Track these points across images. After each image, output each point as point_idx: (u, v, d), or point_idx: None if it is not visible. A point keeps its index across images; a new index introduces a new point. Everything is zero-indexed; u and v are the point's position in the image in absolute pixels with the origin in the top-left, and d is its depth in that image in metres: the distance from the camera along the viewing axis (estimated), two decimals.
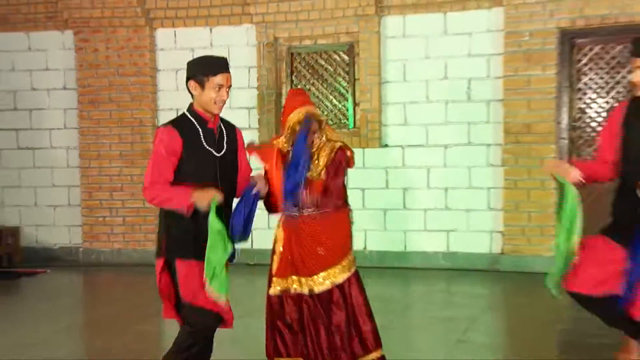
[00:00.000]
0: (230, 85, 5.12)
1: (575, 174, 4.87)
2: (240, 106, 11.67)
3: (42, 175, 12.40)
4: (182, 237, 4.99)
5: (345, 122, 11.82)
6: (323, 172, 5.51)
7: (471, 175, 11.10)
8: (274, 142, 5.75)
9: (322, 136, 5.59)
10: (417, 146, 11.37)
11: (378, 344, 5.64)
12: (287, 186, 5.33)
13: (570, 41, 10.62)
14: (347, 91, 11.77)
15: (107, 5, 11.83)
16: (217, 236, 4.86)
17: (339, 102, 11.81)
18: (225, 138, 5.17)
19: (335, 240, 5.58)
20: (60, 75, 12.33)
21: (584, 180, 4.94)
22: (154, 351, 7.54)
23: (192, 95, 5.01)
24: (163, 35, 12.25)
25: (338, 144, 5.61)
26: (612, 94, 10.50)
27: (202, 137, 4.98)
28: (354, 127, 11.68)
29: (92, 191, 12.14)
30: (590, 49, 10.52)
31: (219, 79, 4.88)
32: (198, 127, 4.99)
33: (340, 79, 11.80)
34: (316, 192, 5.49)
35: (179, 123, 5.01)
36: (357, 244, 11.00)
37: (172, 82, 12.03)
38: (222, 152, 5.08)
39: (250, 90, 11.82)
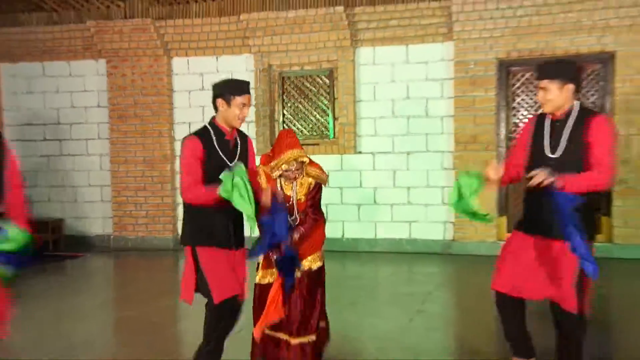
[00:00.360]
0: (250, 105, 5.13)
1: (499, 172, 4.73)
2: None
3: (80, 177, 12.60)
4: (204, 227, 4.97)
5: (326, 133, 11.86)
6: (303, 197, 5.54)
7: (429, 177, 11.26)
8: (262, 166, 5.66)
9: (303, 174, 5.56)
10: (385, 153, 11.52)
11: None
12: (270, 240, 5.19)
13: (506, 69, 10.88)
14: (328, 108, 11.83)
15: (133, 39, 11.94)
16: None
17: (322, 117, 11.85)
18: (238, 148, 5.13)
19: (313, 239, 5.60)
20: (95, 95, 12.47)
21: (501, 179, 4.85)
22: (170, 320, 8.01)
23: (216, 110, 5.00)
24: (178, 63, 12.30)
25: (314, 182, 5.63)
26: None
27: (218, 146, 4.95)
28: (334, 137, 11.76)
29: (120, 190, 12.30)
30: (522, 75, 10.82)
31: (242, 99, 4.89)
32: (216, 138, 4.98)
33: (322, 98, 11.86)
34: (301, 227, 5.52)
35: (202, 134, 5.00)
36: (336, 233, 11.55)
37: (185, 101, 12.22)
38: (234, 161, 5.02)
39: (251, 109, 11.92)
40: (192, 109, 12.08)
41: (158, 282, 9.99)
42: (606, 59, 10.38)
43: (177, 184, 11.84)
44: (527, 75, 10.76)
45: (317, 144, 11.42)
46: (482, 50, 10.74)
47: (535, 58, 10.38)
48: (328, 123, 11.88)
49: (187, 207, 5.04)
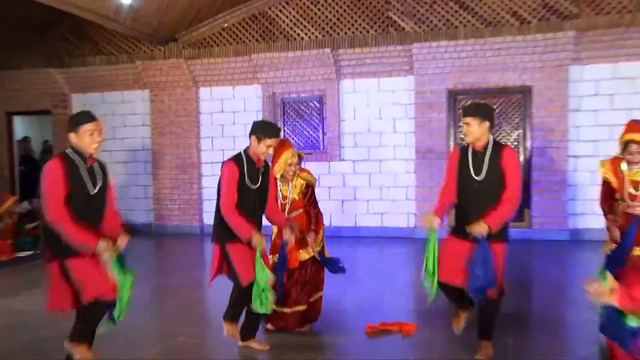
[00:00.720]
0: (275, 146, 5.20)
1: (437, 222, 4.83)
2: None
3: (129, 179, 13.08)
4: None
5: (317, 145, 12.04)
6: (297, 196, 5.60)
7: (396, 179, 11.60)
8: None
9: (296, 175, 5.62)
10: (363, 160, 11.79)
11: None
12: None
13: (453, 97, 11.23)
14: (318, 125, 12.04)
15: (170, 74, 12.41)
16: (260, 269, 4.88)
17: (314, 132, 12.08)
18: (261, 176, 5.12)
19: (318, 227, 5.77)
20: (141, 117, 13.03)
21: (441, 220, 4.90)
22: (197, 287, 8.21)
23: (250, 142, 5.03)
24: (203, 92, 12.64)
25: (305, 183, 5.69)
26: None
27: (247, 173, 4.97)
28: (323, 148, 11.95)
29: (159, 188, 12.83)
30: (465, 102, 10.89)
31: (271, 141, 4.98)
32: (247, 166, 5.00)
33: (314, 117, 12.09)
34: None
35: (238, 159, 5.01)
36: (325, 222, 11.73)
37: (209, 121, 12.62)
38: (257, 185, 5.06)
39: None
40: (213, 127, 12.58)
41: (187, 259, 10.29)
42: (525, 91, 10.90)
43: (203, 184, 12.67)
44: (469, 102, 10.73)
45: (311, 153, 11.65)
46: (435, 83, 11.12)
47: (475, 89, 11.04)
48: (319, 137, 12.09)
49: (218, 208, 5.06)
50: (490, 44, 10.80)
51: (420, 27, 11.36)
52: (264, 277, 4.90)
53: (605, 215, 5.50)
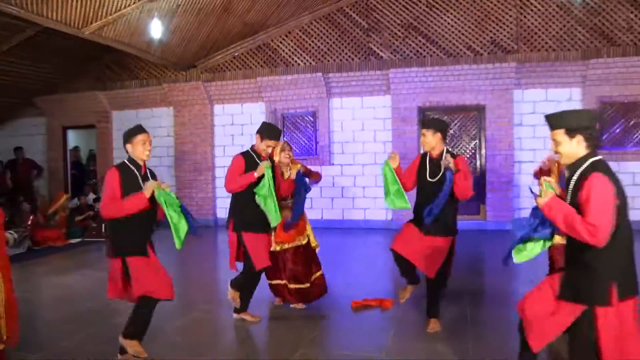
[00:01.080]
0: (277, 145, 5.16)
1: (396, 160, 4.84)
2: None
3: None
4: (247, 219, 4.93)
5: (311, 152, 12.06)
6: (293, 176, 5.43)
7: (377, 180, 11.47)
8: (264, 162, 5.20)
9: (291, 154, 5.57)
10: (349, 164, 11.85)
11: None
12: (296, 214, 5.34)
13: (423, 113, 11.28)
14: (312, 136, 12.11)
15: (190, 94, 12.54)
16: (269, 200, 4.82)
17: (308, 141, 12.15)
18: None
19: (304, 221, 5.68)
20: (166, 129, 13.12)
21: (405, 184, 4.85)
22: (211, 272, 8.32)
23: (255, 139, 5.03)
24: (217, 109, 12.70)
25: (299, 167, 5.62)
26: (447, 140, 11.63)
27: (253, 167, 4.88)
28: (316, 154, 11.96)
29: (180, 188, 12.79)
30: (432, 116, 10.32)
31: (271, 142, 4.95)
32: (256, 159, 4.95)
33: (309, 129, 12.16)
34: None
35: (245, 155, 4.99)
36: (317, 216, 11.72)
37: (222, 132, 12.68)
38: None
39: None
40: (225, 137, 12.66)
41: (203, 247, 10.10)
42: (480, 109, 11.09)
43: (216, 185, 12.69)
44: (435, 116, 10.37)
45: (306, 159, 11.54)
46: (407, 101, 11.22)
47: (440, 106, 11.18)
48: (312, 145, 12.15)
49: (234, 202, 5.04)
50: (452, 71, 11.01)
51: (395, 56, 11.58)
52: (272, 199, 4.86)
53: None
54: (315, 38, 12.04)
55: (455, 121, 11.39)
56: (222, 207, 12.74)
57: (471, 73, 10.91)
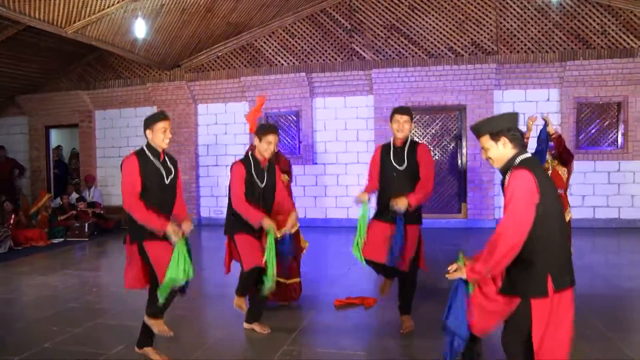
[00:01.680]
0: (277, 142, 4.88)
1: (367, 197, 4.75)
2: (240, 142, 12.15)
3: None
4: (237, 220, 4.69)
5: (295, 151, 12.02)
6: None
7: (359, 179, 11.45)
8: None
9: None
10: (332, 164, 11.85)
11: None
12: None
13: None
14: (295, 135, 12.08)
15: (174, 93, 12.48)
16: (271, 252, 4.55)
17: (292, 141, 12.10)
18: (267, 173, 4.85)
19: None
20: None
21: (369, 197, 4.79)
22: (196, 270, 8.68)
23: (255, 143, 4.78)
24: (201, 108, 12.63)
25: (286, 180, 5.56)
26: (426, 138, 11.37)
27: (254, 172, 4.74)
28: (299, 153, 11.95)
29: None
30: (414, 116, 10.59)
31: (270, 137, 4.72)
32: (254, 165, 4.77)
33: (292, 128, 12.12)
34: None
35: (245, 160, 4.80)
36: (301, 214, 10.99)
37: (205, 131, 12.61)
38: (264, 184, 4.80)
39: (245, 135, 11.92)
40: (209, 136, 12.59)
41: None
42: (461, 109, 11.18)
43: (200, 184, 12.61)
44: (417, 117, 11.25)
45: (290, 158, 11.13)
46: (390, 101, 11.21)
47: (422, 106, 11.23)
48: (296, 145, 12.13)
49: (228, 205, 4.83)
50: (433, 71, 11.09)
51: (377, 56, 11.61)
52: (272, 264, 4.57)
53: None
54: (299, 38, 12.02)
55: (437, 121, 11.46)
56: (206, 206, 12.69)
57: (452, 74, 11.00)
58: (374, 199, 4.95)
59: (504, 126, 3.01)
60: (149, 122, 4.14)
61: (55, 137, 14.91)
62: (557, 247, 2.91)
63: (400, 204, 4.44)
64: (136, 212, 3.95)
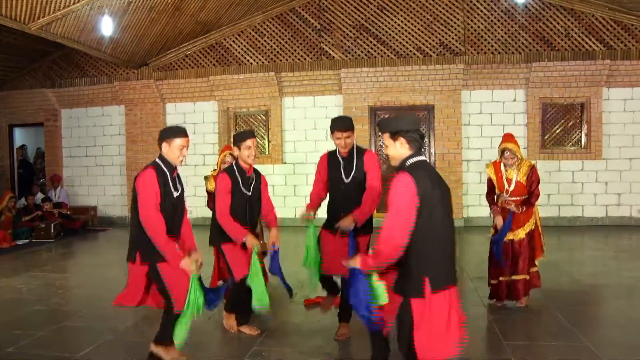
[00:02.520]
0: (256, 146, 4.72)
1: (309, 214, 4.64)
2: (209, 142, 12.13)
3: (107, 179, 12.98)
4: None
5: (264, 151, 11.93)
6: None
7: None
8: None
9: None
10: (301, 163, 11.82)
11: None
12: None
13: (374, 112, 11.39)
14: (265, 134, 11.97)
15: (142, 92, 12.35)
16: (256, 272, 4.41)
17: (261, 140, 11.91)
18: (253, 183, 4.70)
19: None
20: (117, 128, 12.84)
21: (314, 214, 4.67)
22: None
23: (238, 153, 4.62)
24: (169, 107, 12.52)
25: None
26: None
27: (240, 182, 4.57)
28: (269, 153, 11.91)
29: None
30: (383, 116, 11.16)
31: (248, 142, 4.55)
32: (239, 174, 4.61)
33: (261, 128, 12.01)
34: None
35: (229, 171, 4.65)
36: None
37: None
38: (250, 193, 4.64)
39: (214, 134, 12.02)
40: None
41: None
42: (430, 108, 11.25)
43: None
44: (386, 116, 11.12)
45: (258, 157, 10.68)
46: (359, 100, 11.32)
47: (390, 106, 11.29)
48: (265, 144, 12.04)
49: (213, 215, 4.68)
50: (402, 71, 11.18)
51: (347, 56, 11.63)
52: (260, 279, 4.45)
53: (490, 206, 5.61)
54: (268, 37, 11.98)
55: None
56: None
57: (420, 74, 11.10)
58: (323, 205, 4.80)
59: (404, 127, 3.07)
60: (168, 135, 3.90)
61: (20, 136, 14.60)
62: (437, 249, 2.96)
63: (347, 224, 4.26)
64: (157, 233, 3.72)
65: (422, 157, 3.08)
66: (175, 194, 3.93)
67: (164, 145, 3.88)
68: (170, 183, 3.88)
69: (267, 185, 4.98)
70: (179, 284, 3.76)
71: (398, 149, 3.08)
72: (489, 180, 5.65)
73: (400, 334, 3.05)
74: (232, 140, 4.82)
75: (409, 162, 3.04)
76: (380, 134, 3.27)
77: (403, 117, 3.18)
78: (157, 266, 3.79)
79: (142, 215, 3.73)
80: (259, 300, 4.44)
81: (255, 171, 4.81)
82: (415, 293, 2.91)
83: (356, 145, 4.59)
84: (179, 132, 3.91)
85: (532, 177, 5.40)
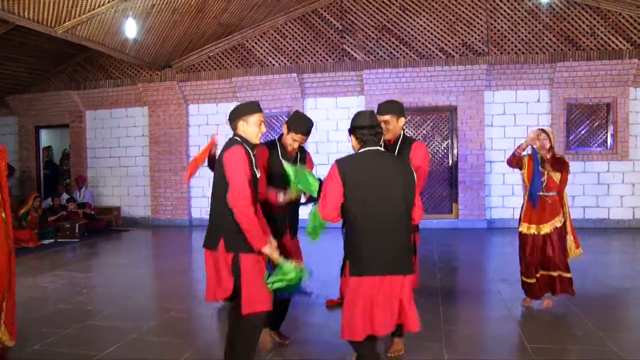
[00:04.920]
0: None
1: None
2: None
3: (131, 180, 13.15)
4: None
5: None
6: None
7: None
8: None
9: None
10: (323, 164, 10.68)
11: None
12: None
13: None
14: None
15: (165, 94, 12.45)
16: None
17: None
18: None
19: None
20: (141, 129, 13.02)
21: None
22: (186, 269, 8.28)
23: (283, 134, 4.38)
24: (192, 108, 12.62)
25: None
26: (417, 139, 11.62)
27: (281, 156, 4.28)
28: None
29: (155, 188, 12.75)
30: (405, 117, 11.16)
31: (297, 136, 4.32)
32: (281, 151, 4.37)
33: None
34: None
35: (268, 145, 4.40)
36: None
37: (197, 132, 12.59)
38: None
39: None
40: (200, 137, 12.53)
41: (177, 247, 10.25)
42: (452, 110, 11.22)
43: (191, 184, 12.54)
44: (408, 117, 11.25)
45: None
46: (381, 101, 11.31)
47: (413, 107, 11.17)
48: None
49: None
50: (424, 72, 11.11)
51: (369, 57, 11.61)
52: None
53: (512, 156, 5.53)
54: (290, 39, 12.00)
55: (428, 121, 11.49)
56: (197, 207, 12.65)
57: (443, 74, 11.02)
58: None
59: (357, 124, 3.41)
60: (244, 112, 3.61)
61: (46, 138, 14.83)
62: (357, 238, 3.26)
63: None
64: (247, 215, 3.39)
65: (367, 148, 3.36)
66: (256, 177, 3.62)
67: (240, 124, 3.61)
68: (253, 164, 3.59)
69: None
70: (254, 285, 3.47)
71: (354, 144, 3.46)
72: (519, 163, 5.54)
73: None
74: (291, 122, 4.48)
75: (351, 154, 3.42)
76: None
77: (359, 116, 3.46)
78: (240, 257, 3.47)
79: (233, 194, 3.40)
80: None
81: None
82: (341, 272, 3.45)
83: (403, 133, 4.39)
84: (256, 107, 3.66)
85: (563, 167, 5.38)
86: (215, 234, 3.56)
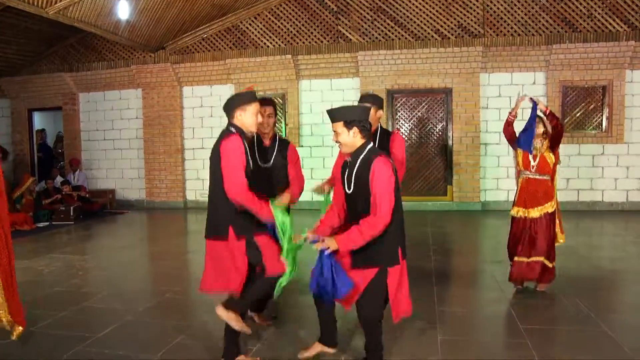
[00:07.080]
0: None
1: (324, 188, 4.80)
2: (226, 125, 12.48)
3: (125, 163, 13.15)
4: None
5: (280, 134, 12.06)
6: None
7: None
8: None
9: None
10: (318, 146, 11.84)
11: None
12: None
13: (392, 95, 11.35)
14: (282, 117, 11.97)
15: (159, 76, 12.42)
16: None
17: (278, 123, 11.55)
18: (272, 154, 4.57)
19: None
20: (134, 111, 12.99)
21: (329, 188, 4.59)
22: (181, 251, 8.32)
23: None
24: (186, 90, 12.58)
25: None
26: (412, 121, 11.45)
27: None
28: (285, 136, 11.60)
29: (150, 170, 12.76)
30: (400, 99, 11.37)
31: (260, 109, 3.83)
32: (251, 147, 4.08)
33: (278, 111, 10.98)
34: None
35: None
36: None
37: (190, 114, 12.58)
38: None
39: None
40: (194, 119, 12.56)
41: (172, 229, 10.29)
42: (447, 92, 11.20)
43: (186, 167, 12.60)
44: (403, 99, 11.35)
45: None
46: (376, 83, 11.22)
47: (408, 89, 11.23)
48: (282, 127, 12.08)
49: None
50: (419, 54, 11.08)
51: (364, 38, 11.55)
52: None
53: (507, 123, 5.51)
54: (285, 20, 11.93)
55: (423, 104, 11.48)
56: (192, 189, 12.70)
57: (438, 56, 11.00)
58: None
59: (358, 117, 3.37)
60: (242, 102, 3.61)
61: (39, 120, 14.76)
62: (401, 224, 3.49)
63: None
64: (246, 199, 3.44)
65: (371, 144, 3.44)
66: (250, 166, 3.62)
67: (238, 113, 3.60)
68: (249, 155, 3.61)
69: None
70: (274, 255, 3.60)
71: (352, 137, 3.38)
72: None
73: (369, 299, 3.46)
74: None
75: (367, 149, 3.39)
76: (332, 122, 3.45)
77: (355, 108, 3.48)
78: (255, 239, 3.56)
79: (230, 185, 3.43)
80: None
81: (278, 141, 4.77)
82: (393, 262, 3.40)
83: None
84: (254, 97, 3.67)
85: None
86: (222, 223, 3.56)
